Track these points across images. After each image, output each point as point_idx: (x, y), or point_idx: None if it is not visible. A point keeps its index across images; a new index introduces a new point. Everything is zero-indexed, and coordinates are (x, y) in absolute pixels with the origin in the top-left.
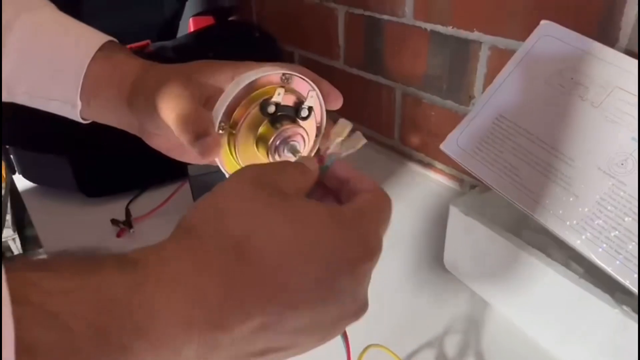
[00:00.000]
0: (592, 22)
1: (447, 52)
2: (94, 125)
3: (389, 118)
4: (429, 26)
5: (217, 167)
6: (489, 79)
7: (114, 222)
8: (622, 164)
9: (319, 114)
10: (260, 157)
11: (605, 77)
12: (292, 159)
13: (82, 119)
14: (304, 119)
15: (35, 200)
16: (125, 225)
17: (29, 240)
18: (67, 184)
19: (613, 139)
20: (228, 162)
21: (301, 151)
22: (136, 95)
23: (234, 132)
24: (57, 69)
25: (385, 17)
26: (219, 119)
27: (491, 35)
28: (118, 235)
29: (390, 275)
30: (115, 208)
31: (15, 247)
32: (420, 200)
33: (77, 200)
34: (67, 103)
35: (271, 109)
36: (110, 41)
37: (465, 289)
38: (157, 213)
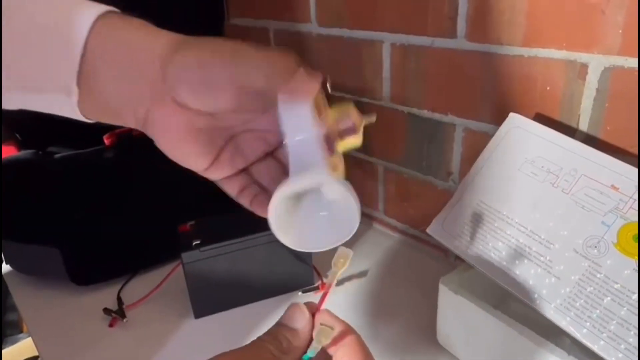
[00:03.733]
0: (554, 109)
1: (425, 132)
2: (83, 213)
3: (372, 191)
4: (405, 109)
5: (211, 252)
6: (465, 157)
7: (106, 311)
8: (595, 247)
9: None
10: None
11: (571, 165)
12: None
13: (85, 116)
14: None
15: (25, 289)
16: (117, 314)
17: (9, 325)
18: (56, 273)
19: (584, 224)
20: None
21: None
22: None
23: None
24: (47, 49)
25: (365, 99)
26: None
27: (464, 119)
28: (110, 325)
29: (384, 352)
30: (107, 294)
31: None
32: (409, 271)
33: (66, 288)
34: (61, 91)
35: None
36: (110, 11)
37: None
38: (151, 299)
